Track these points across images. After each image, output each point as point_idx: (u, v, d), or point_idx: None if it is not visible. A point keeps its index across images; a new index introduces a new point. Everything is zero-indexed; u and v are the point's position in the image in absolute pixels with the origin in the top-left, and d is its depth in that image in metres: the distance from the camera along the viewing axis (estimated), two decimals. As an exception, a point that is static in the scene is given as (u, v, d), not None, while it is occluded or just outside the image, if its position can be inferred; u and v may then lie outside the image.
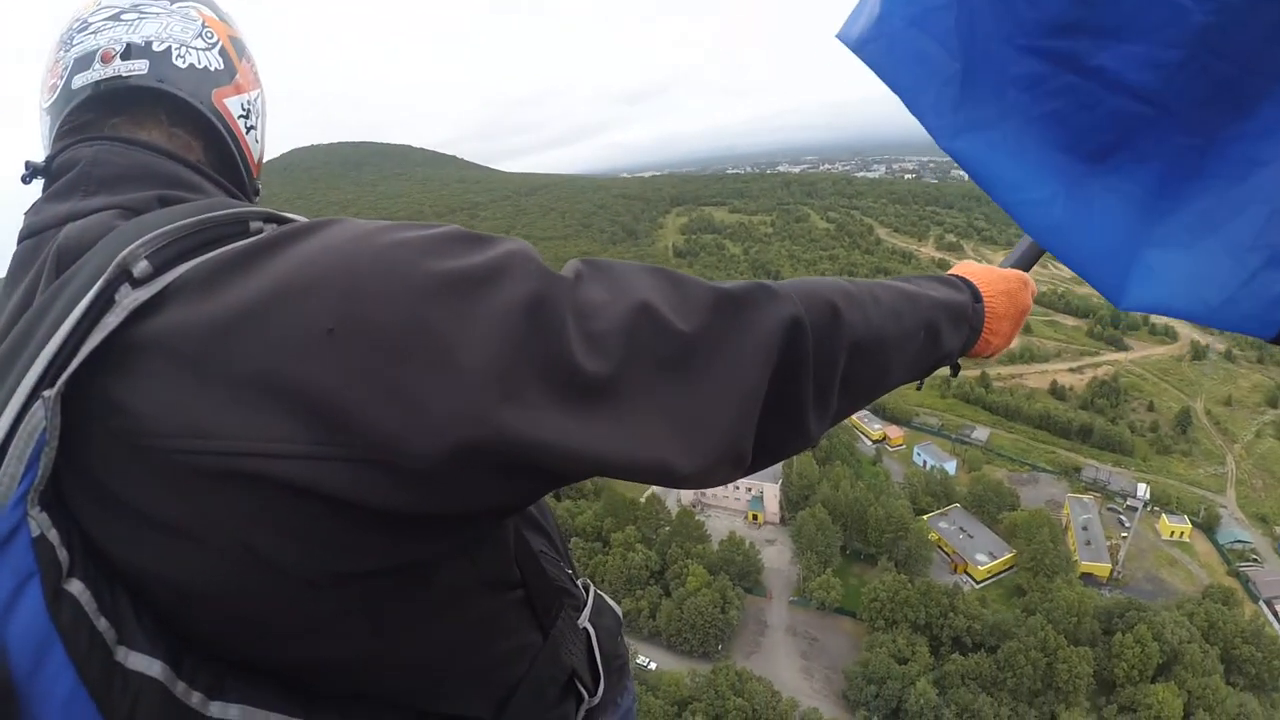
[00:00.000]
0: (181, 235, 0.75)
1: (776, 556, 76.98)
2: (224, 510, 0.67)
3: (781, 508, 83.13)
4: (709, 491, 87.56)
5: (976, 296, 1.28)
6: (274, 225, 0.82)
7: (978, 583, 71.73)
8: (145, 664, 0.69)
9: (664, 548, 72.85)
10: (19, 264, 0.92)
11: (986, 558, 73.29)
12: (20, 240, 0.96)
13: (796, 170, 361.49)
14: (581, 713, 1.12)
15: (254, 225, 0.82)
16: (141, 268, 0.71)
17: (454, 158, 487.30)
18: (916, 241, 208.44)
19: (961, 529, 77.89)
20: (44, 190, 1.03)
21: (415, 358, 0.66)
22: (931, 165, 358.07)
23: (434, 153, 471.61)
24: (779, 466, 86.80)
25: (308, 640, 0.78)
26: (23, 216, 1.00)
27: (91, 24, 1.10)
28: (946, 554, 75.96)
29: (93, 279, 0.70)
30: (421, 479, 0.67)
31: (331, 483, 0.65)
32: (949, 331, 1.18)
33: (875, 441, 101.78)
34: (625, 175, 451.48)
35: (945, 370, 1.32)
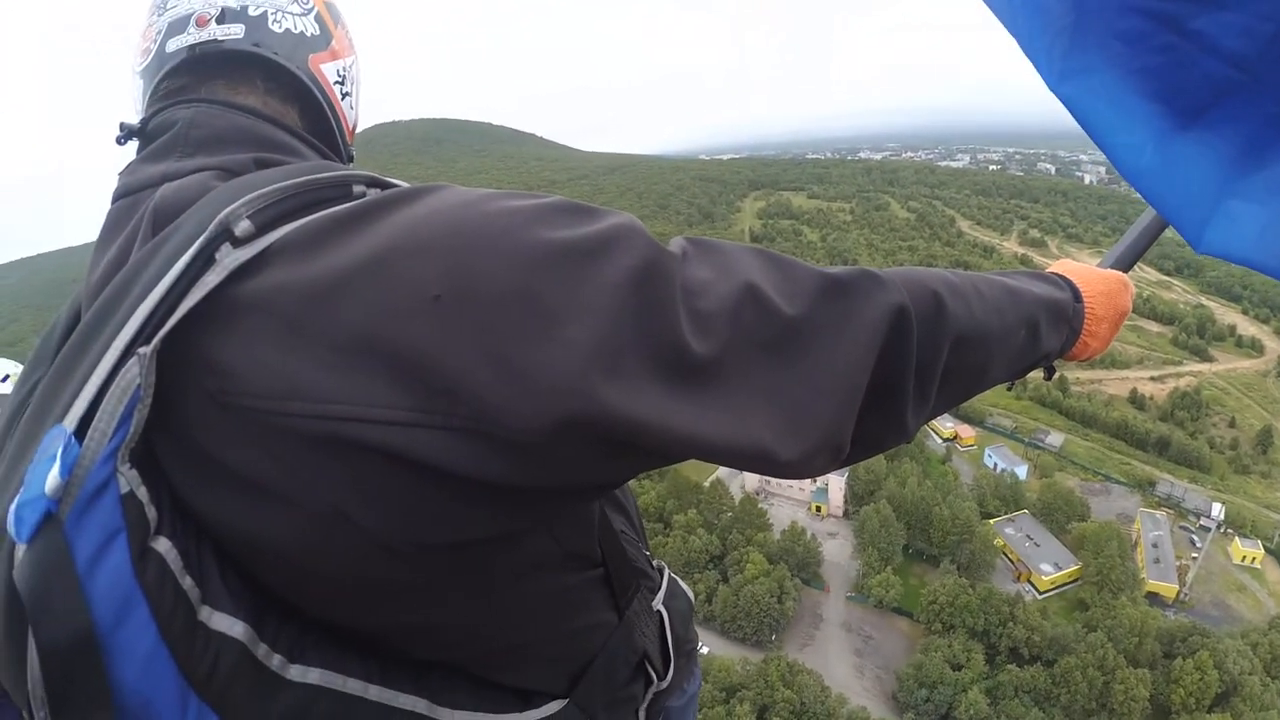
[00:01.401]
0: (284, 196, 0.74)
1: (837, 550, 76.71)
2: (318, 474, 0.67)
3: (846, 501, 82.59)
4: (774, 480, 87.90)
5: (1077, 296, 1.25)
6: (377, 189, 0.81)
7: (1040, 593, 70.47)
8: (228, 624, 0.69)
9: (725, 533, 73.37)
10: (114, 223, 0.93)
11: (1051, 568, 71.88)
12: (115, 200, 0.96)
13: (878, 158, 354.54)
14: (649, 695, 1.12)
15: (357, 189, 0.81)
16: (243, 227, 0.70)
17: (533, 135, 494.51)
18: (999, 236, 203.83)
19: (1028, 536, 76.40)
20: (139, 151, 1.02)
21: (522, 328, 0.65)
22: (1018, 157, 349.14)
23: (513, 130, 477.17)
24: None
25: (389, 606, 0.78)
26: (117, 177, 0.99)
27: None
28: (1010, 561, 74.68)
29: (192, 237, 0.70)
30: (522, 451, 0.66)
31: (430, 451, 0.65)
32: (1049, 331, 1.15)
33: (946, 440, 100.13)
34: (703, 157, 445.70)
35: (1038, 372, 1.31)
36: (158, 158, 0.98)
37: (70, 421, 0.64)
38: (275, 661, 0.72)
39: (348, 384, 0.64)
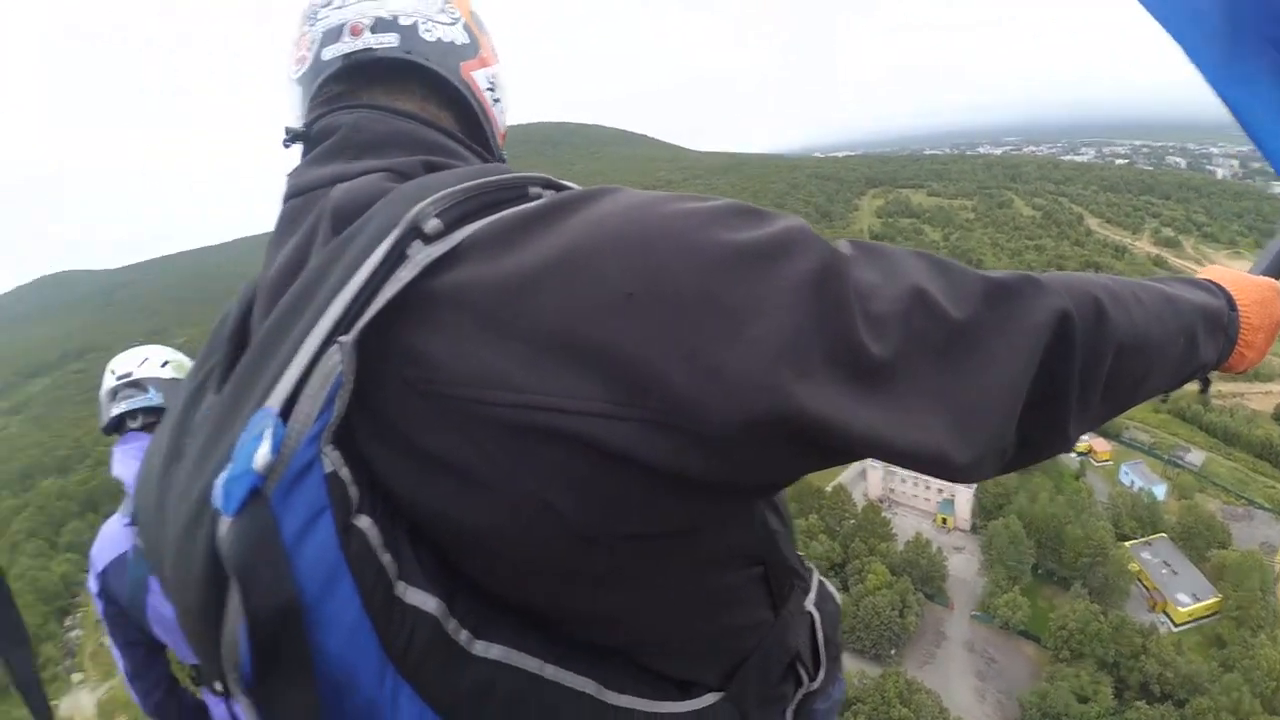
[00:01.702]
0: (468, 196, 0.78)
1: (963, 565, 75.45)
2: (518, 461, 0.69)
3: (974, 514, 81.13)
4: (897, 488, 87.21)
5: (1231, 304, 1.20)
6: (552, 190, 0.84)
7: (1176, 625, 67.33)
8: (422, 599, 0.73)
9: (847, 541, 73.35)
10: (287, 221, 0.97)
11: (1189, 599, 68.54)
12: (286, 200, 1.00)
13: (998, 152, 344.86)
14: (799, 696, 1.13)
15: (533, 190, 0.84)
16: (433, 225, 0.74)
17: (645, 136, 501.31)
18: (1130, 235, 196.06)
19: (1165, 563, 72.77)
20: (304, 155, 1.06)
21: (713, 326, 0.67)
22: (1145, 150, 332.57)
23: (626, 131, 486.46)
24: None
25: (571, 591, 0.80)
26: (285, 179, 1.04)
27: None
28: (1145, 588, 71.53)
29: (383, 233, 0.73)
30: (713, 446, 0.68)
31: (626, 442, 0.67)
32: (1206, 340, 1.12)
33: (1080, 454, 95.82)
34: (818, 155, 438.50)
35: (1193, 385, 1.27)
36: (325, 160, 1.01)
37: (274, 404, 0.67)
38: (463, 637, 0.75)
39: (546, 376, 0.67)
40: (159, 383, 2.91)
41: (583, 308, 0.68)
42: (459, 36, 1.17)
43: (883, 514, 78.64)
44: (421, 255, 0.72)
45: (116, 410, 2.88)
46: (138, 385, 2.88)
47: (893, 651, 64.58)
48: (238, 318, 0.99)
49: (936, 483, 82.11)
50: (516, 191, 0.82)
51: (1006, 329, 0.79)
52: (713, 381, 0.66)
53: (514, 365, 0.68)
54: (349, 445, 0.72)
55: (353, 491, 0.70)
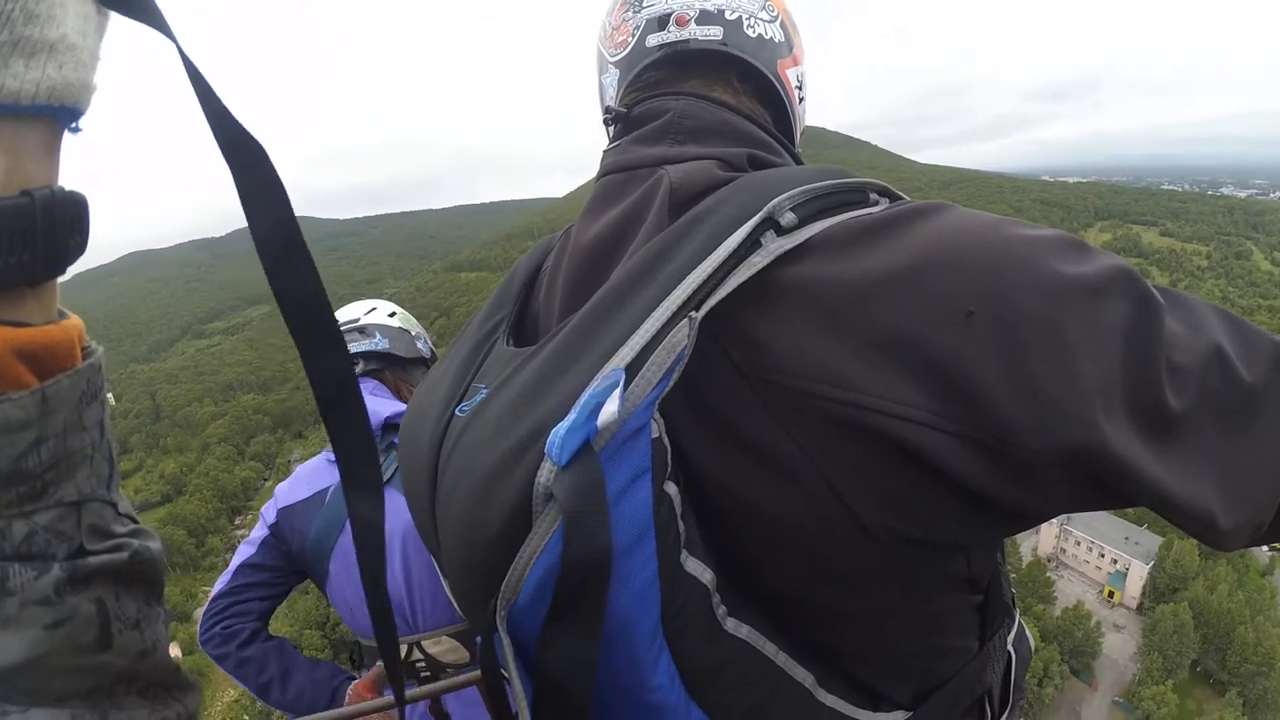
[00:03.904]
0: (821, 194, 0.81)
1: (1119, 646, 72.61)
2: (829, 454, 0.72)
3: (1144, 593, 77.17)
4: (1069, 550, 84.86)
5: None
6: (886, 199, 0.88)
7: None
8: (699, 570, 0.76)
9: (1003, 594, 72.03)
10: (608, 193, 1.01)
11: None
12: (605, 174, 1.04)
13: (1243, 195, 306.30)
14: None
15: (872, 196, 0.86)
16: (788, 218, 0.77)
17: (867, 143, 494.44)
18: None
19: (1342, 689, 66.65)
20: (620, 134, 1.09)
21: (1044, 354, 0.67)
22: None
23: (848, 136, 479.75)
24: (1154, 545, 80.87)
25: (829, 585, 0.82)
26: (603, 154, 1.08)
27: None
28: (1311, 712, 65.57)
29: (737, 221, 0.77)
30: (1019, 469, 0.69)
31: (939, 452, 0.68)
32: None
33: (1273, 550, 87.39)
34: (1046, 178, 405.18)
35: None
36: (650, 142, 1.03)
37: (622, 365, 0.70)
38: (720, 612, 0.79)
39: (877, 378, 0.69)
40: (386, 329, 2.87)
41: (923, 319, 0.69)
42: (777, 34, 1.16)
43: (1047, 573, 76.39)
44: (774, 245, 0.76)
45: None
46: (363, 331, 2.84)
47: None
48: (526, 274, 1.09)
49: (1112, 551, 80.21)
50: (860, 195, 0.85)
51: None
52: (1037, 407, 0.67)
53: (847, 363, 0.70)
54: (665, 416, 0.75)
55: (668, 457, 0.74)
